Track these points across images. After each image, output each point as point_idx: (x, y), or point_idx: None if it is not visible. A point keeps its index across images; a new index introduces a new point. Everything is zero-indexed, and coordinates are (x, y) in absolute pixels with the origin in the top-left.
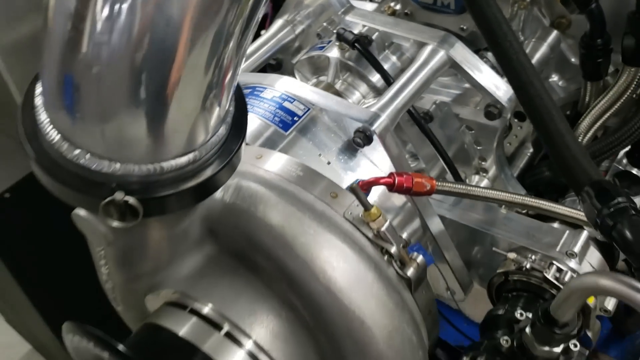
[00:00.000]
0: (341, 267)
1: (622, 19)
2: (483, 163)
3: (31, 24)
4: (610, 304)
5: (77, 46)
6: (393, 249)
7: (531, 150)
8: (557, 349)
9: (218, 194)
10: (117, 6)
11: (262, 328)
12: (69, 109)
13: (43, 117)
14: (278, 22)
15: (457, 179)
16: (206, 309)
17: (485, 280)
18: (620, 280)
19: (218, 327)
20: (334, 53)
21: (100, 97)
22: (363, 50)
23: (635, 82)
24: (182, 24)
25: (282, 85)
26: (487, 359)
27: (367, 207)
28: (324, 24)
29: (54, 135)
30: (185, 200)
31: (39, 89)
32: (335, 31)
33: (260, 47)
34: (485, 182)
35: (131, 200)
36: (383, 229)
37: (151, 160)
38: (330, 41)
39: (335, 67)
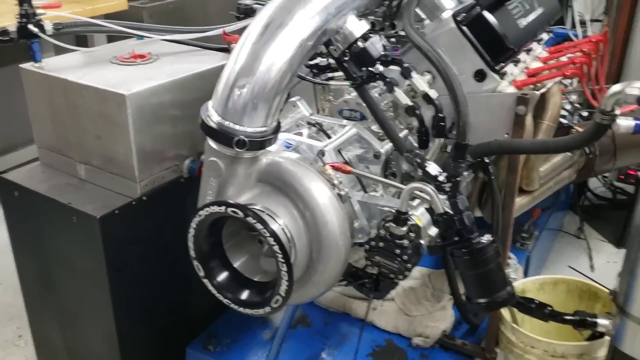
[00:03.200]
0: (318, 186)
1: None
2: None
3: (158, 131)
4: (432, 231)
5: (231, 92)
6: (335, 182)
7: None
8: (403, 229)
9: (264, 159)
10: (237, 92)
11: (284, 216)
12: (224, 107)
13: (212, 111)
14: None
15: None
16: (257, 206)
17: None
18: (423, 185)
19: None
20: (305, 131)
21: (234, 107)
22: (320, 128)
23: (440, 146)
24: (247, 106)
25: (284, 135)
26: (375, 241)
27: (324, 164)
28: (300, 122)
29: (216, 117)
30: (260, 145)
31: (210, 102)
32: (306, 122)
33: None
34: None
35: (245, 139)
36: (331, 174)
37: (251, 126)
38: (304, 127)
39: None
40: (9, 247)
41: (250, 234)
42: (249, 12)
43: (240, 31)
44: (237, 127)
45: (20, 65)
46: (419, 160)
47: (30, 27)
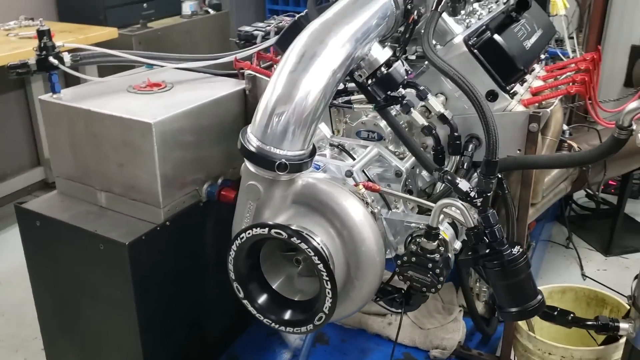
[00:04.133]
0: (353, 204)
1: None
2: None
3: (179, 157)
4: (456, 245)
5: (270, 118)
6: (368, 201)
7: None
8: (434, 244)
9: (300, 181)
10: (276, 118)
11: (321, 234)
12: (264, 133)
13: (251, 136)
14: None
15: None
16: (293, 226)
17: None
18: (453, 201)
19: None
20: (327, 152)
21: (273, 132)
22: (342, 149)
23: (456, 162)
24: (286, 131)
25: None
26: (406, 255)
27: (357, 184)
28: (321, 143)
29: (256, 141)
30: (298, 168)
31: (249, 127)
32: (328, 145)
33: None
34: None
35: (286, 162)
36: (364, 193)
37: (291, 150)
38: (326, 148)
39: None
40: (9, 278)
41: (284, 255)
42: (249, 39)
43: (250, 58)
44: (277, 151)
45: (40, 97)
46: (449, 178)
47: (51, 59)
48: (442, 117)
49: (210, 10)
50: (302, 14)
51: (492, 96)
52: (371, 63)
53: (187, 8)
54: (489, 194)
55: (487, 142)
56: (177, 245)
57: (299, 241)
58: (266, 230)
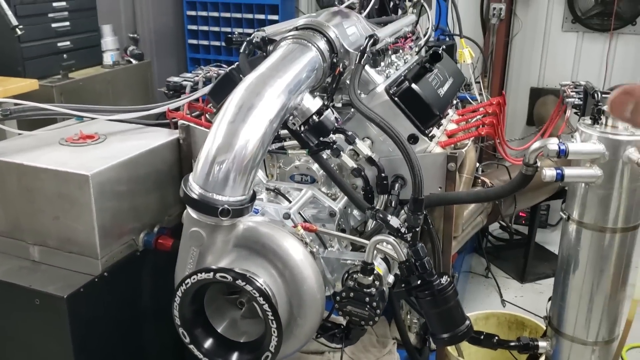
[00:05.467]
0: (293, 245)
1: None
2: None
3: (116, 207)
4: (390, 279)
5: (212, 167)
6: (307, 241)
7: None
8: (370, 279)
9: (241, 225)
10: (217, 167)
11: (263, 275)
12: (205, 180)
13: (194, 184)
14: None
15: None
16: (237, 269)
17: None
18: (386, 237)
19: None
20: (263, 196)
21: (215, 180)
22: (278, 192)
23: (384, 201)
24: (228, 178)
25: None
26: (344, 292)
27: (295, 225)
28: (257, 187)
29: (198, 189)
30: (239, 213)
31: (191, 176)
32: (264, 189)
33: None
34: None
35: (229, 208)
36: (303, 233)
37: (233, 196)
38: (262, 192)
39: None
40: None
41: (227, 298)
42: (178, 89)
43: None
44: (219, 197)
45: None
46: (381, 216)
47: None
48: (369, 160)
49: (132, 59)
50: (233, 66)
51: (413, 139)
52: (304, 112)
53: (108, 58)
54: (417, 229)
55: (413, 182)
56: (116, 295)
57: (244, 283)
58: (211, 274)
